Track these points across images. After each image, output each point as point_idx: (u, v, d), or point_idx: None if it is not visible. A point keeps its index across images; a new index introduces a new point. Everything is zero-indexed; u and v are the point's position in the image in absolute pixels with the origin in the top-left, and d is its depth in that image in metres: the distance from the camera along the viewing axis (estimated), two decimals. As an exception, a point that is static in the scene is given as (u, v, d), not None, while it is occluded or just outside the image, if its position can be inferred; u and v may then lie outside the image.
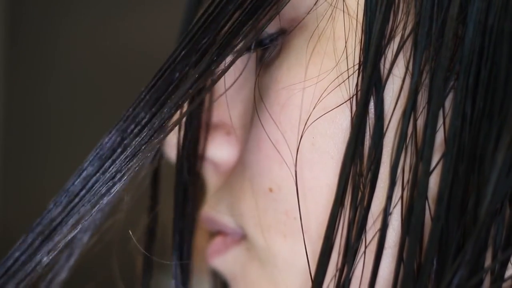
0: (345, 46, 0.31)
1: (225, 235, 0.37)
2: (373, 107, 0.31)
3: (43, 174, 1.36)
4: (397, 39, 0.31)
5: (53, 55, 1.35)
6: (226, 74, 0.35)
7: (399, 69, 0.31)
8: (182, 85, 0.32)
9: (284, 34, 0.33)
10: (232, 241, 0.36)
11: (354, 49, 0.31)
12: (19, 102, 1.39)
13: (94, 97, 1.32)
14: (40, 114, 1.38)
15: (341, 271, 0.31)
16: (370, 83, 0.30)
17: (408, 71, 0.31)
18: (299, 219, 0.32)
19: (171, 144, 0.37)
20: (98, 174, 0.32)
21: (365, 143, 0.31)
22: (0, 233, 1.41)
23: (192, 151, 0.35)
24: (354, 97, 0.31)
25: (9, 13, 1.37)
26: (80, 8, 1.34)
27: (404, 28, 0.31)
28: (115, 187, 0.32)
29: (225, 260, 0.37)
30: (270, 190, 0.33)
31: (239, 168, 0.35)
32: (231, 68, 0.35)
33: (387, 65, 0.31)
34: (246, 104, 0.35)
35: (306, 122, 0.32)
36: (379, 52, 0.30)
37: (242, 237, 0.36)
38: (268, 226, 0.34)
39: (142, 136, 0.32)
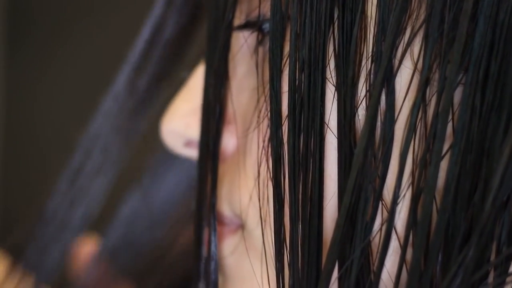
0: (357, 36, 0.31)
1: (221, 225, 0.37)
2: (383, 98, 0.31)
3: (43, 174, 1.36)
4: (407, 31, 0.31)
5: (54, 55, 1.35)
6: (234, 63, 0.36)
7: (409, 61, 0.31)
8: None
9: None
10: (228, 230, 0.36)
11: (369, 40, 0.31)
12: (19, 102, 1.40)
13: (95, 98, 1.31)
14: (40, 114, 1.38)
15: (350, 260, 0.31)
16: (386, 74, 0.31)
17: (417, 63, 0.31)
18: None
19: (178, 132, 0.38)
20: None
21: (376, 134, 0.31)
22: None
23: (215, 141, 0.35)
24: (364, 87, 0.31)
25: (7, 14, 1.37)
26: (83, 9, 1.34)
27: (416, 20, 0.31)
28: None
29: (221, 249, 0.37)
30: (269, 179, 0.33)
31: (239, 157, 0.36)
32: (239, 57, 0.35)
33: (398, 56, 0.31)
34: (250, 93, 0.36)
35: None
36: (395, 44, 0.31)
37: (239, 227, 0.36)
38: (266, 215, 0.34)
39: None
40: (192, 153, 0.38)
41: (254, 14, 0.35)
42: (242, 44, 0.36)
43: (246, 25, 0.35)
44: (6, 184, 1.41)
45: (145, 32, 0.42)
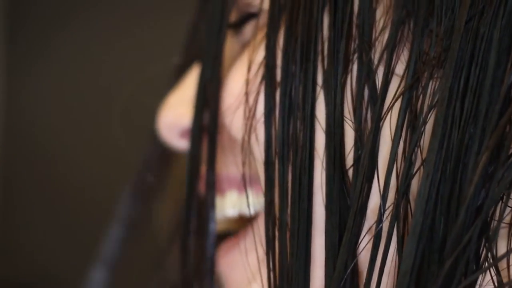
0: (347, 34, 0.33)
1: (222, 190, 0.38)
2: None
3: (44, 180, 1.36)
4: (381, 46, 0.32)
5: (54, 46, 1.36)
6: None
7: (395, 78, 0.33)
8: None
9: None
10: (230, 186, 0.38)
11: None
12: (19, 106, 1.40)
13: (97, 100, 1.32)
14: (40, 117, 1.38)
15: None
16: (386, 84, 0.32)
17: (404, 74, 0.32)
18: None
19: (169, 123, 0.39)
20: None
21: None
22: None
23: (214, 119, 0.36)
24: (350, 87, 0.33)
25: (8, 14, 1.37)
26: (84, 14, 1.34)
27: (405, 38, 0.32)
28: None
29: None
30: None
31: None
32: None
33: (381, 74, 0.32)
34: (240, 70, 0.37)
35: None
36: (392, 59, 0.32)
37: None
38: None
39: None
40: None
41: (246, 9, 0.36)
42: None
43: (242, 21, 0.37)
44: (6, 188, 1.41)
45: None
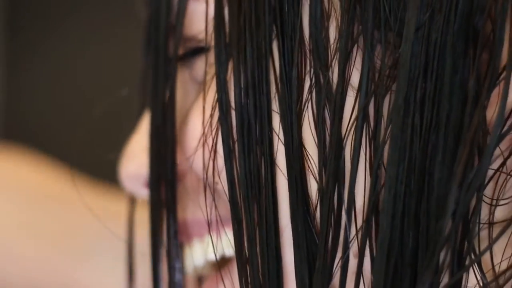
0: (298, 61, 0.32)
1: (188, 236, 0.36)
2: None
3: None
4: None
5: (53, 59, 1.36)
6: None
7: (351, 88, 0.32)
8: None
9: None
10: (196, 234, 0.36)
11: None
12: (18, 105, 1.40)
13: (97, 99, 1.32)
14: (40, 118, 1.38)
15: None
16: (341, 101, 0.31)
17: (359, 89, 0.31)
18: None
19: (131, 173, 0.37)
20: None
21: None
22: None
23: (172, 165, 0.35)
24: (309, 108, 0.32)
25: (8, 14, 1.38)
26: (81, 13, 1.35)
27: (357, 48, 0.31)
28: None
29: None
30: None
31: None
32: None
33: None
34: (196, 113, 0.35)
35: None
36: (345, 73, 0.31)
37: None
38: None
39: None
40: None
41: (191, 43, 0.35)
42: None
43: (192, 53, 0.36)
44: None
45: None
